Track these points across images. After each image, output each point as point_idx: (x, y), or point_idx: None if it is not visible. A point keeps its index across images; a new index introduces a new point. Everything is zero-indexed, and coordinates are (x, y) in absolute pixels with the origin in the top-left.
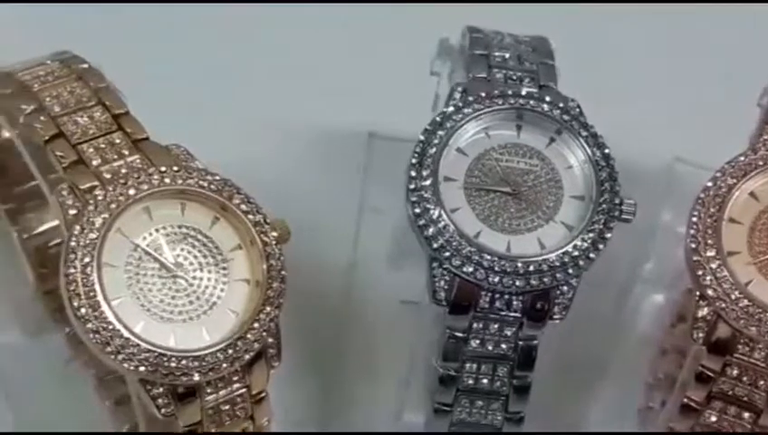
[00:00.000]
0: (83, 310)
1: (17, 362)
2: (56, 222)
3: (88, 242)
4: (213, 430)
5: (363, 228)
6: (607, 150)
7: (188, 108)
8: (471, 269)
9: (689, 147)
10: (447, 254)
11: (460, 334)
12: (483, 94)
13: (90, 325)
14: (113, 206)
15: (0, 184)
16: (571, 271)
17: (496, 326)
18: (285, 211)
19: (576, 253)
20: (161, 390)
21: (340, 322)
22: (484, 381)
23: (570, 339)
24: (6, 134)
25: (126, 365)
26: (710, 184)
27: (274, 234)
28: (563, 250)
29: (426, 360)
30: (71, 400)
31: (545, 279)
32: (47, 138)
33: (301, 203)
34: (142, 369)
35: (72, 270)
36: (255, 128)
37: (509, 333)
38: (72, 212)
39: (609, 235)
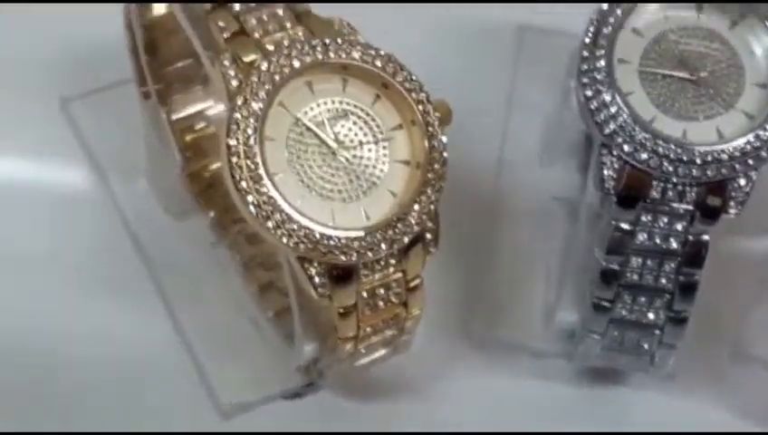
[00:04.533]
0: (244, 183)
1: (163, 245)
2: (201, 106)
3: (251, 113)
4: (366, 314)
5: (513, 123)
6: None
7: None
8: (645, 156)
9: None
10: (620, 140)
11: (627, 227)
12: None
13: (251, 198)
14: (276, 77)
15: (151, 64)
16: (751, 162)
17: (666, 219)
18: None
19: (758, 143)
20: (319, 269)
21: (489, 217)
22: (649, 276)
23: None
24: (161, 10)
25: (285, 241)
26: None
27: (437, 114)
28: (744, 140)
29: (581, 256)
30: (216, 285)
31: (723, 170)
32: (209, 8)
33: (450, 97)
34: (302, 246)
35: (235, 142)
36: (407, 20)
37: (679, 228)
38: (235, 83)
39: None
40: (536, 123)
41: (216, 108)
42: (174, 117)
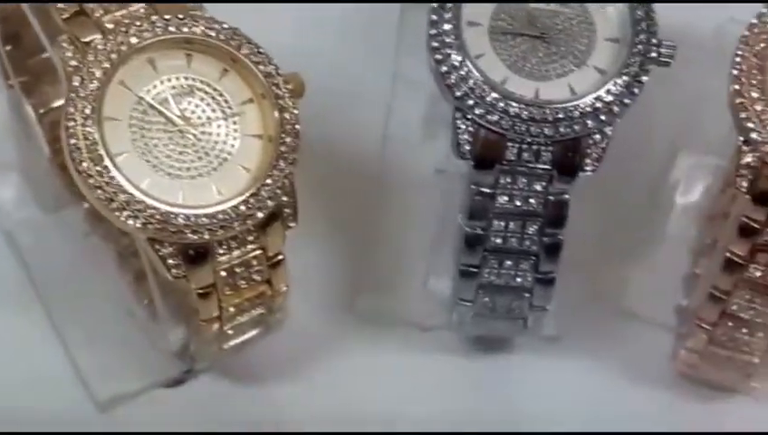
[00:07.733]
0: (85, 164)
1: (38, 240)
2: None
3: (88, 93)
4: (227, 293)
5: (397, 98)
6: None
7: None
8: (496, 118)
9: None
10: (471, 102)
11: (487, 190)
12: None
13: (92, 180)
14: (114, 55)
15: (14, 55)
16: (603, 118)
17: (525, 180)
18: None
19: (609, 98)
20: (171, 249)
21: (373, 191)
22: (513, 239)
23: (613, 206)
24: None
25: (132, 223)
26: (755, 21)
27: (288, 87)
28: (596, 95)
29: (454, 225)
30: (92, 277)
31: (576, 126)
32: None
33: (335, 73)
34: (150, 227)
35: (72, 123)
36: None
37: (539, 188)
38: (73, 64)
39: (645, 78)
40: (420, 97)
41: None
42: (42, 110)
